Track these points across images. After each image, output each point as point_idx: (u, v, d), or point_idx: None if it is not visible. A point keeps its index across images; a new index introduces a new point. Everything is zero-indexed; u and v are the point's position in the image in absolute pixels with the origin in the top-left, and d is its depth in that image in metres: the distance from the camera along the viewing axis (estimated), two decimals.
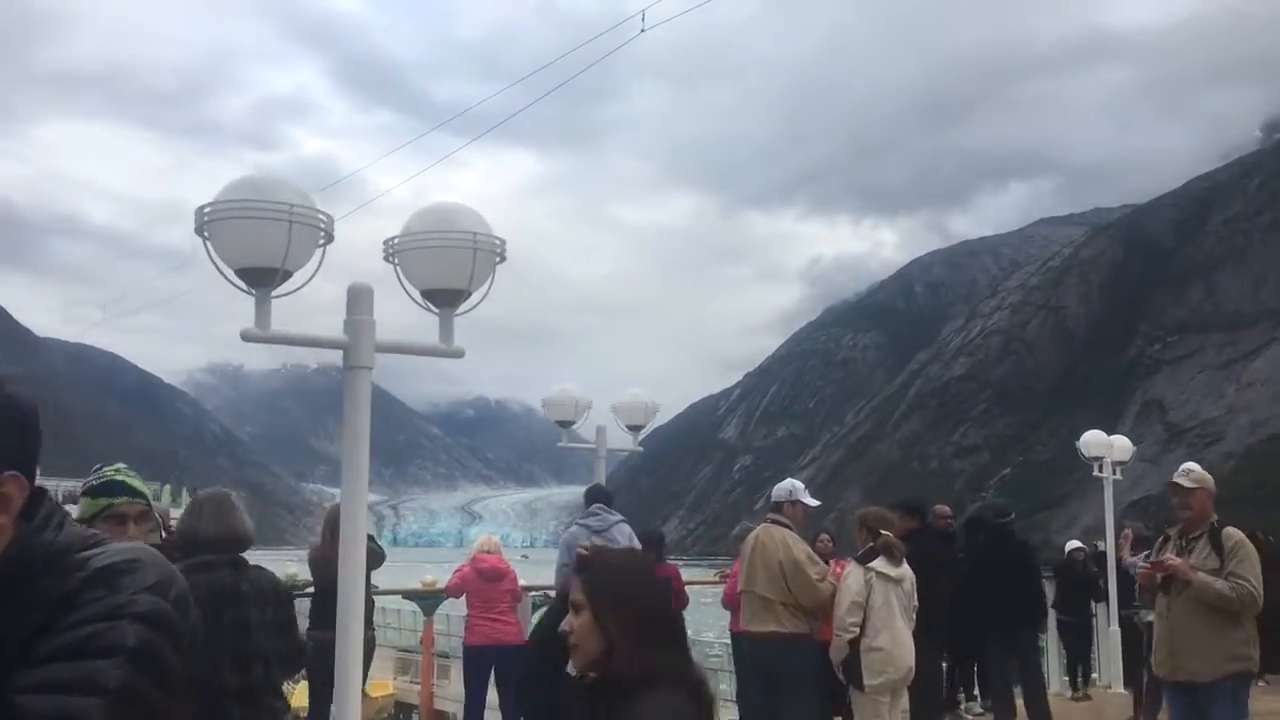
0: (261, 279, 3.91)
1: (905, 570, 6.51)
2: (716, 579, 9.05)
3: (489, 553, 8.57)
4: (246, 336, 3.87)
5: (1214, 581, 5.33)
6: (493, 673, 8.30)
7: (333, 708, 6.11)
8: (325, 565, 6.92)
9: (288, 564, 32.65)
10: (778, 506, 6.91)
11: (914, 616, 6.54)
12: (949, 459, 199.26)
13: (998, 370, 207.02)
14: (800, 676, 6.39)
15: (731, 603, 8.05)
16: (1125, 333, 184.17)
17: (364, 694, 18.87)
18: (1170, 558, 5.60)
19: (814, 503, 7.08)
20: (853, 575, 6.43)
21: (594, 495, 7.74)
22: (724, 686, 9.66)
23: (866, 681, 6.28)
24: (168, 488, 46.60)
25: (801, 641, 6.43)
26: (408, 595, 11.56)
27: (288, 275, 3.92)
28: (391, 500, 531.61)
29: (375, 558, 7.13)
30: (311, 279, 4.00)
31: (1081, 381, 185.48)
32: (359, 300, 4.20)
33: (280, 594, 4.00)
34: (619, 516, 7.58)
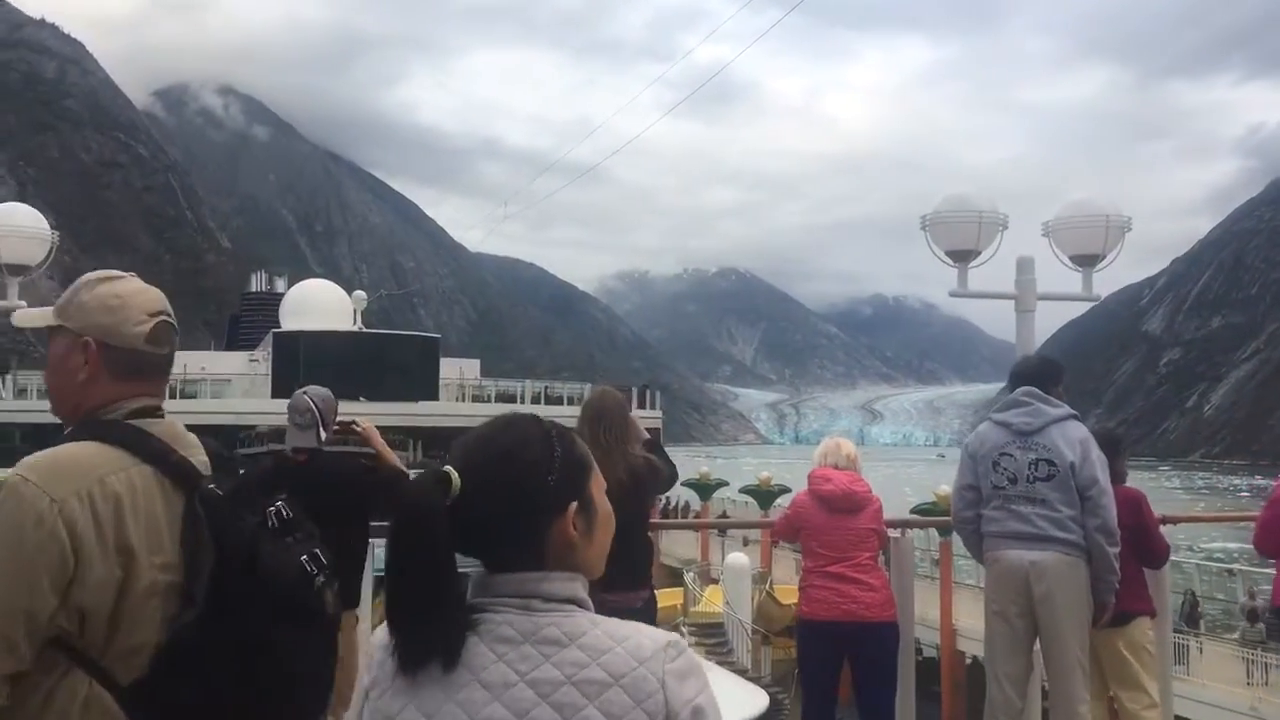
0: None
1: None
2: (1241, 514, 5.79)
3: (838, 467, 5.14)
4: None
5: None
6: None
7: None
8: None
9: (699, 465, 34.35)
10: None
11: None
12: None
13: None
14: None
15: (1270, 550, 4.54)
16: None
17: (775, 599, 19.20)
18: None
19: None
20: None
21: (1021, 375, 4.49)
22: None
23: None
24: (588, 387, 50.42)
25: None
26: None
27: None
28: (793, 399, 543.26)
29: (658, 478, 4.13)
30: None
31: None
32: None
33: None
34: (1064, 409, 4.34)
